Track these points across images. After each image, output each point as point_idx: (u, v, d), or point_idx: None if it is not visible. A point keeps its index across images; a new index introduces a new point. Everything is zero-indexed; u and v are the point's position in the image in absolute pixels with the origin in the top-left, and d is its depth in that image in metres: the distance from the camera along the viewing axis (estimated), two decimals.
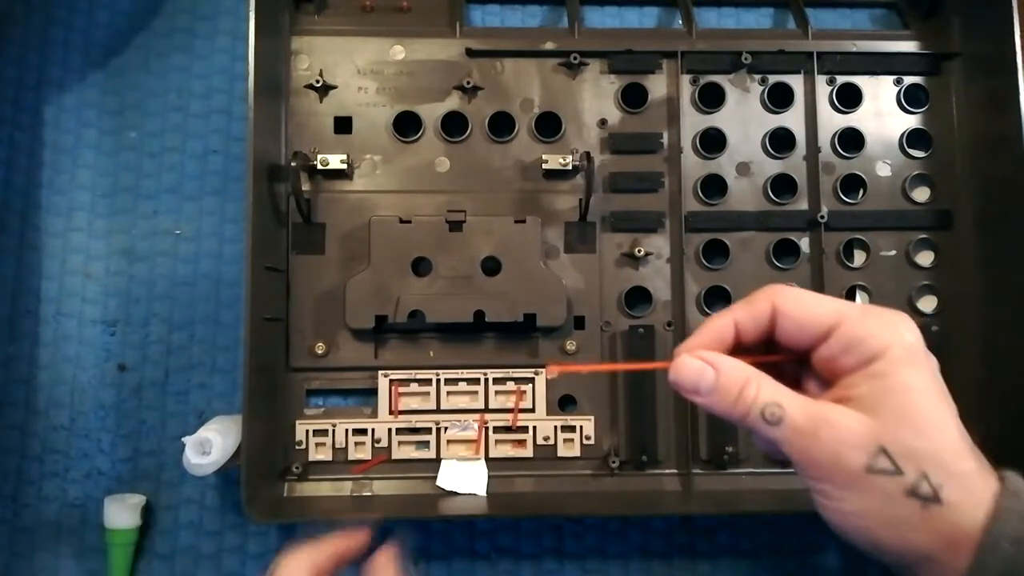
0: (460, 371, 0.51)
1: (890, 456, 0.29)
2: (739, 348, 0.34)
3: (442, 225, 0.50)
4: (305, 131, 0.52)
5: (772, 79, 0.54)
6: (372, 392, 0.51)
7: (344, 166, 0.51)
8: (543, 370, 0.51)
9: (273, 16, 0.51)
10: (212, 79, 0.56)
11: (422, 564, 0.51)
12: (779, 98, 0.54)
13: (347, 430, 0.50)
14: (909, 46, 0.55)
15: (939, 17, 0.55)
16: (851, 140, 0.54)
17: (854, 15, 0.58)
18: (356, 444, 0.50)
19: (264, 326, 0.47)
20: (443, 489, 0.50)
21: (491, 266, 0.50)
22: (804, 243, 0.53)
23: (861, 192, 0.54)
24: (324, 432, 0.50)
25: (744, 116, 0.54)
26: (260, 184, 0.47)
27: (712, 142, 0.54)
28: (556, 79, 0.54)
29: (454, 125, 0.53)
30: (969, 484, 0.30)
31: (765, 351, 0.34)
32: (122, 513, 0.49)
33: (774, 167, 0.54)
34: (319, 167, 0.51)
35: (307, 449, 0.50)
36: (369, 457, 0.50)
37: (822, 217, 0.53)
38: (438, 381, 0.51)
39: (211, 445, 0.44)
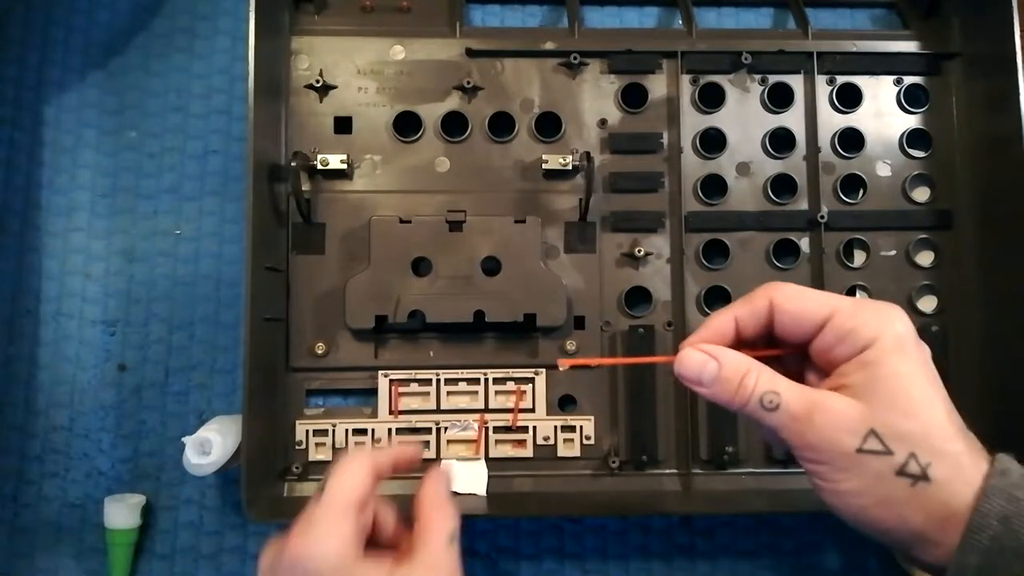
0: (460, 371, 0.51)
1: (880, 437, 0.31)
2: (740, 343, 0.35)
3: (442, 225, 0.50)
4: (305, 131, 0.52)
5: (772, 79, 0.54)
6: (372, 392, 0.51)
7: (344, 166, 0.51)
8: (543, 370, 0.51)
9: (273, 16, 0.51)
10: (212, 79, 0.56)
11: None
12: (779, 98, 0.54)
13: (347, 430, 0.50)
14: (909, 46, 0.55)
15: (939, 17, 0.56)
16: (851, 140, 0.54)
17: (854, 15, 0.58)
18: (356, 444, 0.50)
19: (264, 326, 0.47)
20: None
21: (491, 266, 0.50)
22: (804, 243, 0.53)
23: (861, 192, 0.54)
24: (324, 432, 0.50)
25: (744, 116, 0.54)
26: (260, 184, 0.47)
27: (712, 142, 0.54)
28: (556, 79, 0.54)
29: (454, 125, 0.53)
30: (958, 463, 0.31)
31: (767, 346, 0.36)
32: (122, 513, 0.49)
33: (774, 167, 0.54)
34: (319, 167, 0.51)
35: (307, 449, 0.50)
36: None
37: (822, 217, 0.53)
38: (438, 381, 0.51)
39: (211, 445, 0.44)
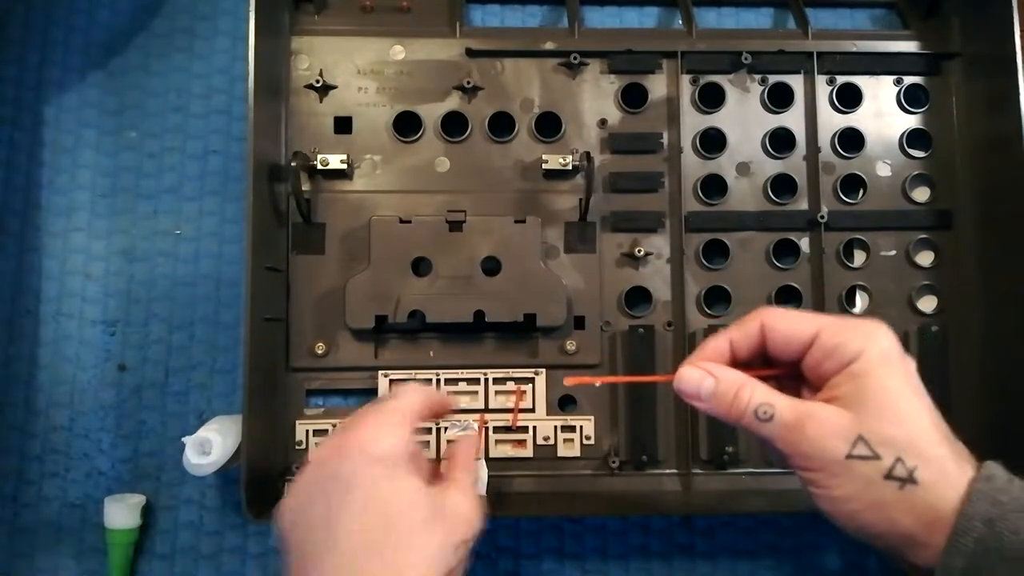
0: (460, 371, 0.51)
1: (868, 443, 0.32)
2: (736, 364, 0.37)
3: (442, 225, 0.50)
4: (305, 131, 0.52)
5: (772, 79, 0.54)
6: (372, 392, 0.51)
7: (344, 166, 0.51)
8: (543, 370, 0.51)
9: (273, 16, 0.51)
10: (212, 79, 0.56)
11: None
12: (779, 98, 0.54)
13: None
14: (909, 46, 0.55)
15: (939, 17, 0.56)
16: (851, 140, 0.54)
17: (854, 15, 0.58)
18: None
19: (264, 326, 0.47)
20: None
21: (491, 266, 0.50)
22: (804, 243, 0.53)
23: (861, 192, 0.54)
24: (324, 432, 0.50)
25: (744, 116, 0.54)
26: (260, 184, 0.47)
27: (712, 142, 0.54)
28: (556, 79, 0.54)
29: (454, 125, 0.53)
30: (943, 468, 0.32)
31: (762, 368, 0.38)
32: (122, 513, 0.49)
33: (774, 167, 0.54)
34: (319, 167, 0.51)
35: (307, 449, 0.50)
36: None
37: (822, 217, 0.53)
38: (438, 381, 0.51)
39: (211, 445, 0.44)
